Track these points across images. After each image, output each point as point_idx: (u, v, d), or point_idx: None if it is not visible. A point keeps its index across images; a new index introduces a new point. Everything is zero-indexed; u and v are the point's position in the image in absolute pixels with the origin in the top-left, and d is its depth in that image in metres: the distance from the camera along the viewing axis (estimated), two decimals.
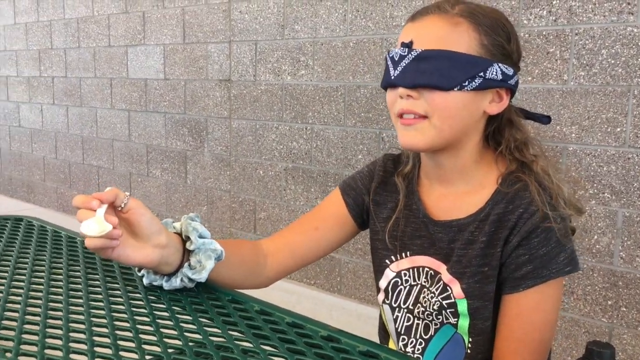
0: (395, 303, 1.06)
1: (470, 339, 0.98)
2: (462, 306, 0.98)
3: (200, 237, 0.91)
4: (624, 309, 2.10)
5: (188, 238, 0.90)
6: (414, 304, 1.04)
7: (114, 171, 4.27)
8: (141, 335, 0.70)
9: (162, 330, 0.72)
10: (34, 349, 0.64)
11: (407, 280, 1.05)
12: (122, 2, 4.02)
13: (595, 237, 2.15)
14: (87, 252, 1.01)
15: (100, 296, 0.82)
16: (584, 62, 2.13)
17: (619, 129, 2.07)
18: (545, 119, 1.05)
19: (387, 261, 1.08)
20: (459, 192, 1.01)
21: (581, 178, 2.16)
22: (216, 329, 0.72)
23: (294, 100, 3.11)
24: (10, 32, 5.07)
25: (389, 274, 1.08)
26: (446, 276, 1.00)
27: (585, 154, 2.16)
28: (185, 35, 3.63)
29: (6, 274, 0.88)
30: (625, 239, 2.09)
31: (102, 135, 4.33)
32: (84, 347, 0.65)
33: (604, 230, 2.13)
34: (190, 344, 0.68)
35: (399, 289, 1.06)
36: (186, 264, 0.89)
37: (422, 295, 1.03)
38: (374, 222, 1.11)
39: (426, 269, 1.03)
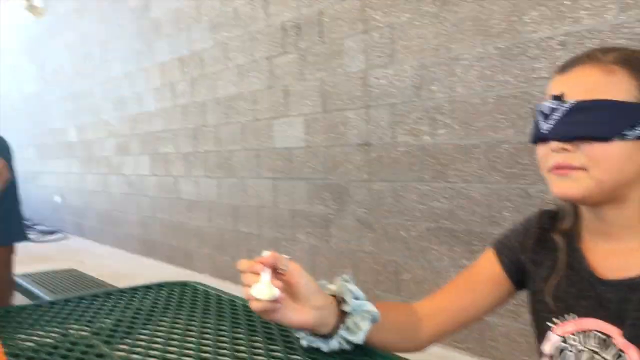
0: None
1: None
2: None
3: (356, 298, 0.93)
4: None
5: (343, 299, 0.92)
6: None
7: (261, 236, 4.48)
8: None
9: None
10: None
11: (574, 345, 0.97)
12: (266, 79, 4.31)
13: None
14: (247, 314, 1.07)
15: (264, 358, 0.86)
16: None
17: None
18: None
19: (549, 323, 1.02)
20: (628, 249, 0.93)
21: None
22: None
23: (433, 159, 3.10)
24: (171, 113, 5.61)
25: (553, 338, 1.01)
26: (620, 341, 0.92)
27: None
28: (325, 104, 3.79)
29: (178, 336, 0.95)
30: None
31: (250, 203, 4.59)
32: None
33: None
34: None
35: (566, 354, 0.99)
36: (342, 326, 0.91)
37: None
38: (533, 282, 1.05)
39: (596, 333, 0.96)
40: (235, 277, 4.76)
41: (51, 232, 8.23)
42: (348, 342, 0.90)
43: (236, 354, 0.87)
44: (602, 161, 0.87)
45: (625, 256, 0.94)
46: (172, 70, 5.52)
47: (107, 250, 6.90)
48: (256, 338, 0.95)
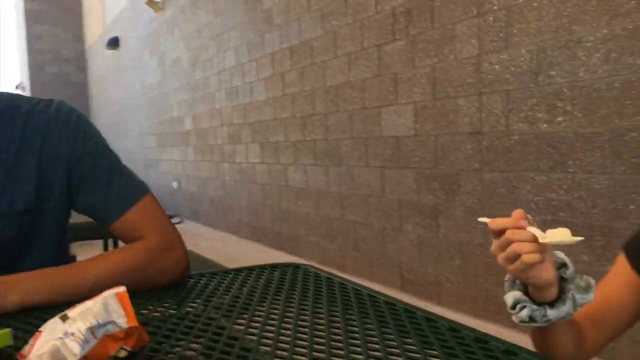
0: None
1: None
2: None
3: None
4: None
5: (563, 264, 0.92)
6: None
7: (369, 225, 4.48)
8: None
9: None
10: None
11: None
12: (375, 67, 4.29)
13: None
14: (358, 298, 1.07)
15: (377, 339, 0.85)
16: None
17: None
18: None
19: None
20: None
21: None
22: None
23: (551, 148, 2.94)
24: (280, 102, 5.74)
25: None
26: None
27: None
28: (435, 91, 3.71)
29: (292, 315, 0.97)
30: None
31: (358, 191, 4.60)
32: None
33: None
34: None
35: None
36: (572, 287, 0.90)
37: None
38: None
39: None
40: (341, 265, 4.81)
41: (170, 217, 8.70)
42: (575, 305, 0.89)
43: (349, 334, 0.87)
44: None
45: None
46: (282, 60, 5.63)
47: (219, 234, 7.21)
48: (368, 320, 0.94)
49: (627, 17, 2.54)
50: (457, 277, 3.62)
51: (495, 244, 0.88)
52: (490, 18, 3.25)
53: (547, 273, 0.87)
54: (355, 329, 0.89)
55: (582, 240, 0.85)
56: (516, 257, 0.85)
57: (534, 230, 0.84)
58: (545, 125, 2.97)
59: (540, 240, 0.83)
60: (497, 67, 3.24)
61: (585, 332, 1.03)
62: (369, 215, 4.48)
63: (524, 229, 0.85)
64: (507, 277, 0.95)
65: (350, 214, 4.71)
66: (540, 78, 2.98)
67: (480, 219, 0.92)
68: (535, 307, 0.90)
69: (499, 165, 3.27)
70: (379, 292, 1.10)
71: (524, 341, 0.95)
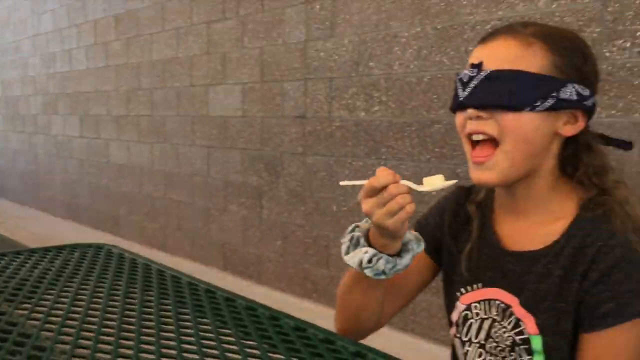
0: (465, 337, 1.02)
1: None
2: (537, 343, 0.91)
3: None
4: None
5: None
6: (486, 339, 0.99)
7: (193, 205, 4.41)
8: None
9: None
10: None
11: (477, 314, 1.01)
12: (204, 44, 4.21)
13: None
14: (161, 280, 1.04)
15: (171, 320, 0.84)
16: None
17: None
18: (626, 145, 0.98)
19: (457, 293, 1.05)
20: (534, 223, 0.97)
21: None
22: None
23: (367, 135, 3.12)
24: (103, 73, 5.40)
25: (459, 307, 1.04)
26: (519, 310, 0.95)
27: None
28: (263, 74, 3.74)
29: (84, 299, 0.92)
30: None
31: (183, 170, 4.50)
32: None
33: None
34: None
35: (469, 322, 1.02)
36: (410, 237, 0.94)
37: (493, 330, 0.98)
38: (449, 255, 1.08)
39: (497, 301, 0.98)
40: (163, 244, 4.69)
41: None
42: (413, 255, 0.93)
43: (144, 315, 0.85)
44: (513, 131, 0.89)
45: (530, 230, 0.97)
46: (106, 28, 5.30)
47: (30, 213, 6.63)
48: (167, 301, 0.92)
49: (437, 18, 2.76)
50: (277, 256, 3.71)
51: (372, 201, 0.88)
52: (317, 6, 3.35)
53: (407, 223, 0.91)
54: (152, 310, 0.87)
55: (455, 183, 0.92)
56: (398, 209, 0.87)
57: (408, 182, 0.88)
58: (363, 114, 3.14)
59: (420, 190, 0.88)
60: (322, 54, 3.35)
61: (386, 299, 1.09)
62: (193, 195, 4.41)
63: (399, 182, 0.87)
64: (347, 238, 0.97)
65: (174, 193, 4.60)
66: (361, 68, 3.14)
67: (343, 183, 0.94)
68: (390, 258, 0.92)
69: (320, 149, 3.39)
70: (170, 269, 1.08)
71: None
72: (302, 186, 3.52)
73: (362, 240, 0.95)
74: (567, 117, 0.91)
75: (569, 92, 0.89)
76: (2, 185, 7.57)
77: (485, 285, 1.00)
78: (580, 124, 0.92)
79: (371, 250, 0.93)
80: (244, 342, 0.78)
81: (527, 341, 0.93)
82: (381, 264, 0.92)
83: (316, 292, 3.45)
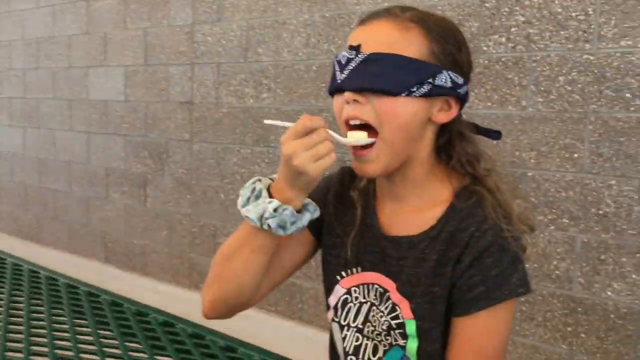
0: (344, 321, 1.02)
1: None
2: (411, 327, 0.94)
3: None
4: (583, 335, 2.09)
5: None
6: (364, 323, 1.00)
7: (71, 194, 4.15)
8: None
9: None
10: None
11: (357, 298, 1.01)
12: (83, 23, 3.96)
13: (555, 262, 2.15)
14: (32, 280, 0.95)
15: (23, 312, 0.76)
16: (542, 88, 2.16)
17: (576, 155, 2.09)
18: (495, 134, 1.02)
19: (337, 277, 1.04)
20: (412, 208, 0.98)
21: (530, 198, 2.17)
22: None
23: (256, 123, 3.07)
24: None
25: (338, 291, 1.03)
26: (395, 295, 0.96)
27: (543, 180, 2.17)
28: (147, 57, 3.58)
29: None
30: (584, 264, 2.09)
31: (59, 157, 4.22)
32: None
33: (562, 255, 2.13)
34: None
35: (348, 306, 1.02)
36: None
37: (371, 314, 0.99)
38: (330, 236, 1.06)
39: (376, 286, 0.99)
40: (38, 236, 4.39)
41: None
42: (312, 217, 0.92)
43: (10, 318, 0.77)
44: (390, 117, 0.89)
45: (409, 215, 0.98)
46: None
47: None
48: (19, 293, 0.84)
49: (325, 6, 2.76)
50: (163, 247, 3.58)
51: (297, 143, 0.85)
52: None
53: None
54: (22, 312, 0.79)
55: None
56: (326, 154, 0.85)
57: (332, 132, 0.88)
58: (252, 101, 3.08)
59: (343, 142, 0.88)
60: (209, 38, 3.25)
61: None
62: (71, 183, 4.15)
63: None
64: (248, 190, 0.92)
65: (50, 181, 4.31)
66: (249, 54, 3.08)
67: (267, 121, 0.91)
68: (294, 210, 0.89)
69: (208, 136, 3.30)
70: (24, 261, 0.99)
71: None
72: (189, 174, 3.41)
73: (264, 192, 0.91)
74: (441, 104, 0.93)
75: (444, 78, 0.90)
76: None
77: (365, 270, 1.01)
78: (454, 111, 0.94)
79: (276, 201, 0.89)
80: (105, 340, 0.72)
81: (402, 325, 0.94)
82: (286, 215, 0.88)
83: (203, 283, 3.36)
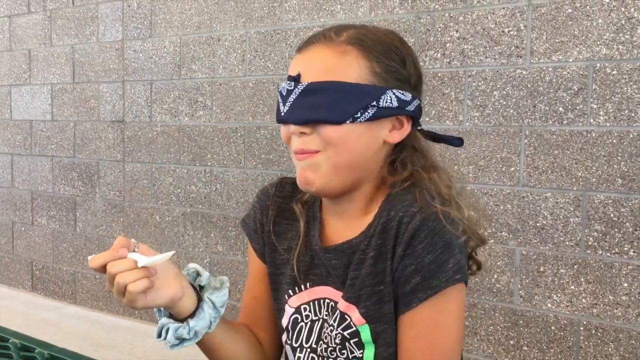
0: (296, 343, 0.95)
1: None
2: (365, 333, 0.88)
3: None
4: (526, 348, 2.10)
5: (198, 273, 0.92)
6: (317, 342, 0.93)
7: None
8: None
9: None
10: None
11: (307, 316, 0.95)
12: (5, 40, 3.76)
13: (495, 276, 2.16)
14: None
15: None
16: (478, 103, 2.18)
17: (512, 169, 2.11)
18: (456, 141, 0.97)
19: (286, 296, 0.98)
20: (354, 217, 0.93)
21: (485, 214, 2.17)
22: None
23: (191, 142, 2.98)
24: None
25: (288, 310, 0.97)
26: (342, 304, 0.90)
27: (482, 193, 2.18)
28: (75, 74, 3.43)
29: None
30: (524, 277, 2.10)
31: None
32: None
33: (502, 268, 2.14)
34: None
35: (299, 325, 0.95)
36: (207, 291, 0.90)
37: (323, 331, 0.93)
38: (273, 255, 1.00)
39: (327, 300, 0.93)
40: None
41: None
42: (215, 308, 0.88)
43: None
44: (335, 144, 0.86)
45: (350, 222, 0.93)
46: None
47: None
48: None
49: (260, 22, 2.71)
50: (94, 273, 3.40)
51: (107, 281, 0.82)
52: (134, 3, 3.14)
53: (168, 290, 0.85)
54: None
55: (174, 253, 0.86)
56: (124, 288, 0.81)
57: (137, 255, 0.81)
58: (187, 119, 2.99)
59: (143, 263, 0.81)
60: (141, 55, 3.14)
61: (257, 334, 1.03)
62: None
63: (125, 257, 0.81)
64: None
65: None
66: (183, 71, 2.99)
67: (90, 257, 0.83)
68: (176, 324, 0.86)
69: (141, 156, 3.18)
70: None
71: None
72: (121, 196, 3.27)
73: (161, 314, 0.91)
74: (391, 123, 0.89)
75: (389, 99, 0.86)
76: None
77: (314, 285, 0.95)
78: (406, 129, 0.90)
79: (161, 321, 0.88)
80: None
81: (356, 334, 0.89)
82: (170, 335, 0.87)
83: (145, 312, 3.22)
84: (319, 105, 0.84)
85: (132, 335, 2.99)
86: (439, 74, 2.25)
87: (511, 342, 2.13)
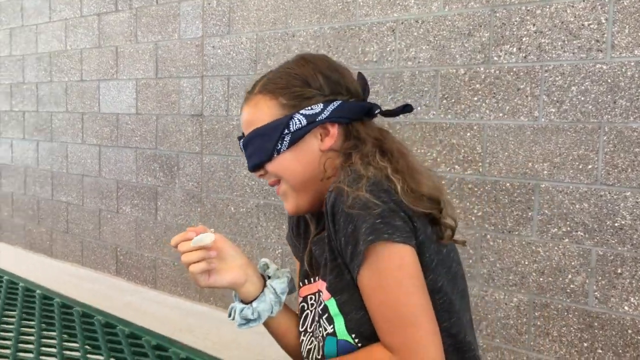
0: (302, 328, 1.07)
1: (354, 337, 0.95)
2: (333, 306, 0.96)
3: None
4: (600, 351, 2.04)
5: (267, 265, 1.08)
6: (311, 326, 1.05)
7: (83, 207, 4.17)
8: None
9: None
10: None
11: (312, 304, 1.06)
12: (95, 37, 3.98)
13: (570, 276, 2.10)
14: (46, 305, 0.93)
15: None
16: (554, 98, 2.12)
17: (590, 166, 2.05)
18: (407, 107, 1.08)
19: (299, 287, 1.11)
20: None
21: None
22: None
23: None
24: None
25: (298, 300, 1.10)
26: (319, 284, 1.02)
27: (557, 192, 2.12)
28: (158, 70, 3.59)
29: None
30: (600, 278, 2.04)
31: (72, 170, 4.24)
32: None
33: (577, 269, 2.09)
34: None
35: (305, 313, 1.07)
36: (269, 279, 1.05)
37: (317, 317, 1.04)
38: (298, 253, 1.16)
39: (319, 291, 1.05)
40: (50, 249, 4.40)
41: None
42: (276, 295, 1.03)
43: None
44: (281, 174, 1.02)
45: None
46: None
47: None
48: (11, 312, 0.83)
49: (334, 18, 2.75)
50: (173, 259, 3.57)
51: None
52: (214, 1, 3.25)
53: (230, 275, 1.00)
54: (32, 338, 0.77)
55: (214, 232, 1.00)
56: (187, 267, 0.97)
57: (197, 238, 0.95)
58: None
59: (201, 244, 0.95)
60: (219, 51, 3.25)
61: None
62: (84, 196, 4.16)
63: (191, 239, 0.96)
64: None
65: (63, 194, 4.33)
66: (259, 66, 3.08)
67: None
68: (241, 305, 1.02)
69: (218, 148, 3.30)
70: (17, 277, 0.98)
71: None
72: (199, 187, 3.41)
73: (235, 298, 1.07)
74: (317, 134, 1.01)
75: (297, 121, 0.99)
76: None
77: (320, 278, 1.05)
78: (334, 133, 1.01)
79: (232, 304, 1.05)
80: None
81: (325, 309, 0.98)
82: (236, 315, 1.03)
83: (213, 296, 3.35)
84: (252, 154, 1.03)
85: (207, 320, 3.12)
86: (514, 69, 2.21)
87: (585, 344, 2.07)
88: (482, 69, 2.29)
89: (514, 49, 2.21)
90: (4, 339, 0.73)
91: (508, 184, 2.25)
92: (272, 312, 1.04)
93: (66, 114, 4.26)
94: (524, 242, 2.23)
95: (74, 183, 4.23)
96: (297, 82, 1.02)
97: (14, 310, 0.78)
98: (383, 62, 2.59)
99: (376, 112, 1.05)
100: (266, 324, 1.08)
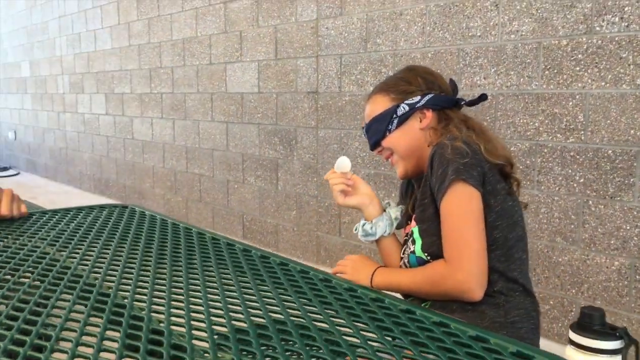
0: (403, 254, 1.43)
1: (427, 255, 1.30)
2: (415, 232, 1.33)
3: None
4: None
5: (389, 204, 1.49)
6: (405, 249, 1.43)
7: (213, 178, 4.62)
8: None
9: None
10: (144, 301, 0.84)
11: (411, 235, 1.39)
12: (221, 23, 4.37)
13: None
14: (175, 232, 1.23)
15: (181, 273, 1.02)
16: None
17: None
18: (482, 97, 1.44)
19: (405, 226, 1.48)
20: None
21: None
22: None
23: None
24: (126, 53, 5.60)
25: (402, 234, 1.47)
26: (414, 219, 1.38)
27: None
28: (277, 51, 3.90)
29: (119, 252, 1.11)
30: None
31: (203, 145, 4.71)
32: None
33: None
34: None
35: (406, 245, 1.42)
36: (388, 208, 1.47)
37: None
38: (408, 201, 1.54)
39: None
40: (185, 216, 4.92)
41: (4, 169, 8.17)
42: (390, 217, 1.43)
43: (174, 268, 1.04)
44: (393, 148, 1.41)
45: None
46: (128, 9, 5.48)
47: (61, 188, 6.93)
48: (179, 253, 1.11)
49: None
50: (292, 225, 3.91)
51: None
52: None
53: (358, 198, 1.44)
54: (166, 260, 1.06)
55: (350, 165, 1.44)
56: (332, 188, 1.44)
57: (341, 161, 1.44)
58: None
59: (342, 170, 1.43)
60: (332, 32, 3.49)
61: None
62: (214, 168, 4.62)
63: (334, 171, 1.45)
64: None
65: (195, 166, 4.82)
66: (369, 45, 3.28)
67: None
68: (364, 222, 1.44)
69: (332, 123, 3.56)
70: (190, 225, 1.27)
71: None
72: (315, 158, 3.69)
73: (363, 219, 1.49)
74: (418, 117, 1.39)
75: (403, 108, 1.38)
76: (33, 161, 7.89)
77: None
78: (429, 115, 1.38)
79: (361, 222, 1.45)
80: (284, 297, 0.96)
81: (411, 234, 1.36)
82: (360, 228, 1.44)
83: (330, 259, 3.64)
84: (371, 135, 1.42)
85: None
86: (616, 38, 2.25)
87: None
88: (584, 39, 2.35)
89: (616, 19, 2.25)
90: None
91: (610, 151, 2.31)
92: (385, 232, 1.42)
93: (197, 95, 4.72)
94: (625, 208, 2.28)
95: (205, 157, 4.70)
96: (402, 82, 1.40)
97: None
98: (486, 36, 2.70)
99: (462, 103, 1.42)
100: (378, 243, 1.45)
